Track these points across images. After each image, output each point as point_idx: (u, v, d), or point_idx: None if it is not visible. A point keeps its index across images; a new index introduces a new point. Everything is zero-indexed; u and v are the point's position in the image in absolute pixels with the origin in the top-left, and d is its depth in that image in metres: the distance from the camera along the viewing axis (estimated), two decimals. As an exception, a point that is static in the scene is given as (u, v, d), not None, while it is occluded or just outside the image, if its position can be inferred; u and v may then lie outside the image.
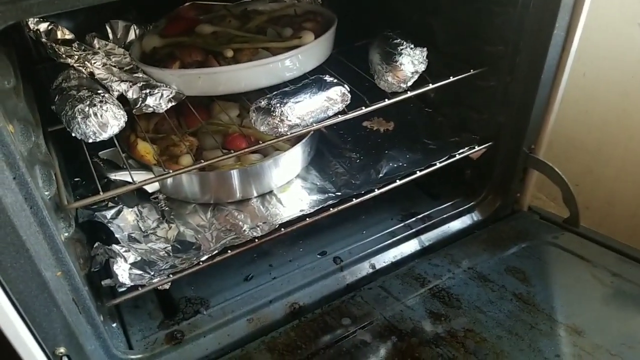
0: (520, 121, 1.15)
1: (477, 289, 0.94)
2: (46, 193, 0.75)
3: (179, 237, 1.01)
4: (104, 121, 0.90)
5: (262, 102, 0.95)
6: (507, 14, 1.06)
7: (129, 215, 1.03)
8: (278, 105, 0.93)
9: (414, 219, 1.23)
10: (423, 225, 1.21)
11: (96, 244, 0.91)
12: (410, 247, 1.18)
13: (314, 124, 0.97)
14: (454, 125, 1.29)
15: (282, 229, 1.00)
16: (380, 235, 1.18)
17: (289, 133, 0.95)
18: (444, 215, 1.24)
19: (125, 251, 0.93)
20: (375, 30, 1.29)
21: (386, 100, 1.03)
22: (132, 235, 1.00)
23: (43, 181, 0.76)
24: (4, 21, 0.58)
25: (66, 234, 0.81)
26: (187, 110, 1.15)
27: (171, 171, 0.90)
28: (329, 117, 0.99)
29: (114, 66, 1.08)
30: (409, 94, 1.05)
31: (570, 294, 0.92)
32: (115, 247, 0.92)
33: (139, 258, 0.93)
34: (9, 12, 0.57)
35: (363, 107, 1.01)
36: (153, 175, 1.03)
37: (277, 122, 0.93)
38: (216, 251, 0.95)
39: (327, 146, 1.28)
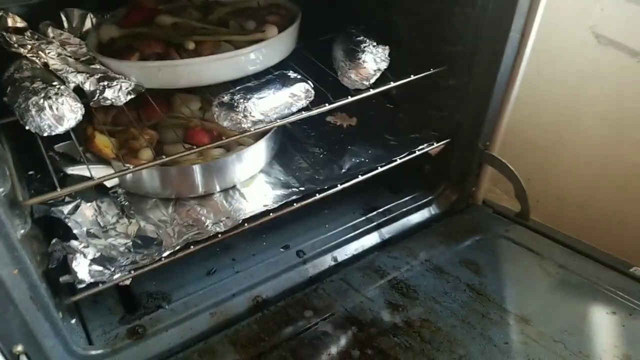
0: (476, 119, 1.20)
1: (433, 281, 0.99)
2: (0, 190, 0.73)
3: (140, 232, 1.00)
4: (59, 114, 0.88)
5: (225, 97, 0.95)
6: (465, 16, 1.10)
7: (87, 210, 1.01)
8: (241, 100, 0.93)
9: (375, 212, 1.26)
10: (384, 219, 1.25)
11: (53, 241, 0.88)
12: (371, 239, 1.21)
13: (278, 120, 0.98)
14: (414, 121, 1.32)
15: (246, 224, 1.00)
16: (343, 228, 1.21)
17: (252, 129, 0.95)
18: (404, 209, 1.28)
19: (84, 247, 0.91)
20: (339, 26, 1.30)
21: (349, 97, 1.05)
22: (91, 230, 0.98)
23: (-5, 177, 0.73)
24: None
25: (22, 231, 0.79)
26: (146, 102, 1.12)
27: (132, 166, 0.88)
28: (293, 114, 1.00)
29: (70, 57, 1.05)
30: (372, 91, 1.07)
31: (520, 285, 0.98)
32: (73, 243, 0.91)
33: (98, 254, 0.91)
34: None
35: (326, 104, 1.03)
36: (112, 170, 1.03)
37: (240, 117, 0.93)
38: (178, 246, 0.95)
39: (290, 141, 1.28)
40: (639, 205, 1.36)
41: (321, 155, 1.25)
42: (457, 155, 1.28)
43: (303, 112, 1.00)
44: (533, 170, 1.54)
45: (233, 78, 1.08)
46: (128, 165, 0.90)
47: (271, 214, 1.03)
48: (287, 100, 0.98)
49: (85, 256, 0.89)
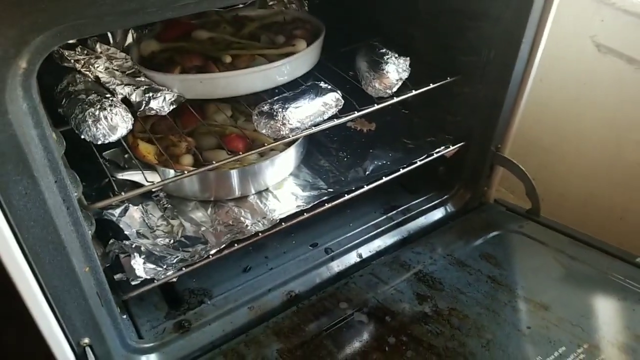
0: (489, 124, 1.29)
1: (456, 273, 1.07)
2: (75, 194, 0.80)
3: (184, 232, 1.08)
4: (113, 124, 0.96)
5: (265, 107, 1.03)
6: (479, 29, 1.19)
7: (135, 212, 1.09)
8: (280, 110, 1.02)
9: (395, 211, 1.35)
10: (403, 217, 1.33)
11: (111, 241, 0.96)
12: (393, 237, 1.30)
13: (312, 127, 1.06)
14: (429, 126, 1.41)
15: (283, 223, 1.09)
16: (366, 227, 1.29)
17: (290, 135, 1.03)
18: (422, 208, 1.37)
19: (137, 246, 0.99)
20: (360, 38, 1.39)
21: (375, 105, 1.14)
22: (140, 231, 1.05)
23: (71, 182, 0.81)
24: (60, 40, 0.63)
25: (90, 232, 0.86)
26: (183, 111, 1.20)
27: (185, 171, 0.96)
28: (325, 121, 1.08)
29: (117, 70, 1.12)
30: (395, 99, 1.16)
31: (536, 276, 1.07)
32: (127, 242, 0.98)
33: (149, 253, 0.99)
34: (67, 32, 0.63)
35: (355, 112, 1.11)
36: (157, 174, 1.11)
37: (279, 125, 1.01)
38: (224, 245, 1.03)
39: (316, 145, 1.37)
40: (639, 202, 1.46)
41: (345, 159, 1.33)
42: (471, 157, 1.37)
43: (335, 119, 1.09)
44: (537, 169, 1.63)
45: (265, 88, 1.17)
46: (181, 169, 0.98)
47: (305, 214, 1.11)
48: (320, 108, 1.06)
49: (140, 255, 0.97)
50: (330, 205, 1.14)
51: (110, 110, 0.96)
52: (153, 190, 1.13)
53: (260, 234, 1.06)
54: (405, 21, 1.38)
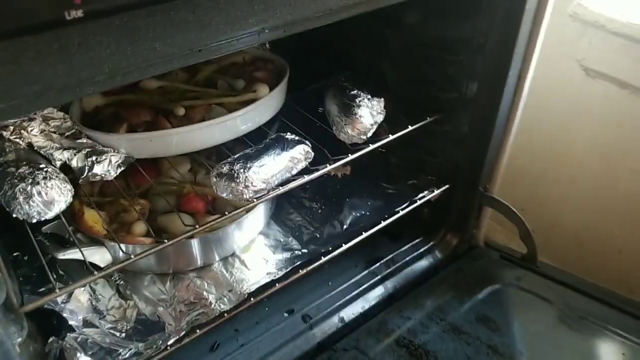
0: (475, 163, 1.18)
1: (453, 344, 0.95)
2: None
3: (140, 315, 0.94)
4: (49, 199, 0.83)
5: (224, 168, 0.90)
6: (459, 63, 1.09)
7: (81, 296, 0.94)
8: (242, 170, 0.89)
9: (377, 264, 1.22)
10: (387, 271, 1.21)
11: (50, 339, 0.82)
12: (376, 294, 1.17)
13: (280, 188, 0.94)
14: (409, 167, 1.30)
15: (252, 299, 0.95)
16: (346, 285, 1.16)
17: (254, 199, 0.91)
18: (407, 258, 1.25)
19: (82, 342, 0.84)
20: (327, 74, 1.28)
21: (349, 155, 1.02)
22: (87, 319, 0.91)
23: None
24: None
25: (19, 340, 0.72)
26: (134, 169, 1.07)
27: (132, 255, 0.82)
28: (294, 177, 0.96)
29: (54, 132, 0.99)
30: (371, 146, 1.05)
31: (542, 342, 0.95)
32: (70, 338, 0.84)
33: (98, 347, 0.85)
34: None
35: (327, 164, 0.99)
36: (106, 250, 0.97)
37: (241, 188, 0.89)
38: (183, 332, 0.89)
39: (285, 196, 1.24)
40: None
41: (319, 211, 1.21)
42: (457, 199, 1.26)
43: (305, 176, 0.97)
44: (526, 199, 1.54)
45: (225, 140, 1.05)
46: (133, 243, 0.84)
47: (277, 285, 0.98)
48: (288, 164, 0.94)
49: (85, 352, 0.82)
50: (304, 271, 1.02)
51: (45, 183, 0.83)
52: (102, 266, 0.99)
53: (225, 314, 0.92)
54: (376, 55, 1.28)
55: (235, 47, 0.62)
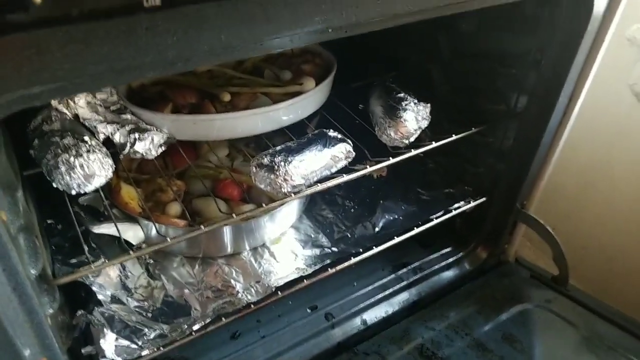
0: (515, 178, 1.15)
1: (476, 360, 0.93)
2: (32, 272, 0.67)
3: (166, 297, 0.94)
4: (90, 173, 0.83)
5: (265, 159, 0.89)
6: (511, 76, 1.06)
7: (111, 271, 0.95)
8: (282, 163, 0.88)
9: (405, 269, 1.21)
10: (414, 278, 1.20)
11: (78, 313, 0.83)
12: (401, 300, 1.16)
13: (318, 184, 0.93)
14: (446, 174, 1.28)
15: (279, 292, 0.95)
16: (372, 287, 1.16)
17: (292, 194, 0.90)
18: (435, 267, 1.23)
19: (109, 318, 0.85)
20: (373, 72, 1.26)
21: (390, 158, 1.00)
22: (116, 295, 0.92)
23: (29, 256, 0.68)
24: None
25: (51, 311, 0.73)
26: (174, 149, 1.07)
27: (169, 239, 0.82)
28: (332, 176, 0.95)
29: (100, 105, 0.99)
30: (413, 152, 1.02)
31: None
32: (98, 313, 0.85)
33: (124, 325, 0.86)
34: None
35: (367, 166, 0.98)
36: (139, 227, 0.98)
37: (280, 181, 0.88)
38: (209, 319, 0.89)
39: (320, 192, 1.23)
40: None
41: (352, 210, 1.20)
42: (492, 212, 1.23)
43: (344, 175, 0.95)
44: (558, 218, 1.49)
45: (267, 131, 1.04)
46: (167, 224, 0.85)
47: (305, 281, 0.98)
48: (328, 162, 0.93)
49: (112, 328, 0.83)
50: (333, 270, 1.01)
51: (87, 156, 0.83)
52: (134, 243, 1.00)
53: (252, 306, 0.92)
54: (425, 59, 1.25)
55: (297, 44, 0.61)
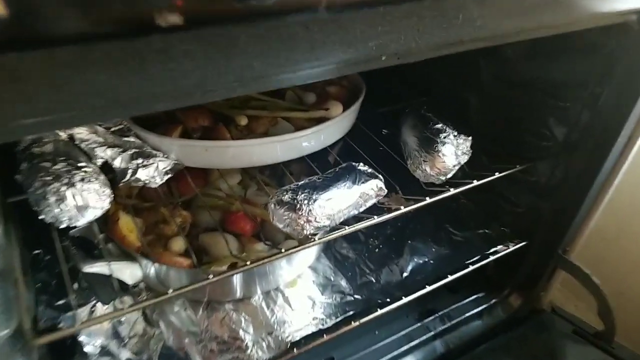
0: (560, 222, 1.03)
1: None
2: (6, 332, 0.55)
3: (164, 349, 0.82)
4: (83, 205, 0.73)
5: (286, 196, 0.77)
6: (564, 110, 0.94)
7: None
8: (306, 202, 0.76)
9: (432, 317, 1.08)
10: (443, 327, 1.07)
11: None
12: (429, 352, 1.04)
13: (345, 227, 0.81)
14: (481, 213, 1.15)
15: (295, 350, 0.82)
16: (395, 338, 1.03)
17: (315, 238, 0.78)
18: (465, 315, 1.11)
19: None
20: (402, 97, 1.15)
21: (427, 198, 0.88)
22: (106, 346, 0.80)
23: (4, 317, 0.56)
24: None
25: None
26: (181, 174, 0.96)
27: (169, 291, 0.69)
28: (360, 216, 0.83)
29: (99, 125, 0.88)
30: (451, 191, 0.91)
31: None
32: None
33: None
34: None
35: (401, 207, 0.86)
36: (137, 266, 0.86)
37: (302, 222, 0.76)
38: (213, 380, 0.77)
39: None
40: None
41: (376, 250, 1.07)
42: (530, 257, 1.11)
43: (375, 217, 0.83)
44: (595, 262, 1.37)
45: (286, 159, 0.93)
46: (169, 264, 0.72)
47: (325, 336, 0.85)
48: (357, 200, 0.81)
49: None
50: (357, 323, 0.88)
51: (81, 186, 0.72)
52: (130, 283, 0.87)
53: (263, 364, 0.80)
54: (461, 85, 1.13)
55: (342, 72, 0.49)
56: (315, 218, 0.77)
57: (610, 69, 0.84)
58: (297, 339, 0.84)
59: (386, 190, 0.84)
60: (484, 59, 1.06)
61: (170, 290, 0.67)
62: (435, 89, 1.18)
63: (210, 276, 0.70)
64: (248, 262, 0.73)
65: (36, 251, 0.93)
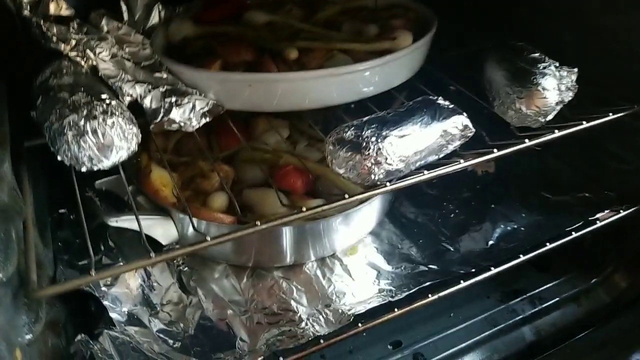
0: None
1: None
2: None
3: (203, 319, 0.68)
4: (106, 142, 0.60)
5: (347, 133, 0.62)
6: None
7: (131, 279, 0.70)
8: (373, 139, 0.61)
9: (518, 299, 0.90)
10: (532, 310, 0.89)
11: (78, 337, 0.58)
12: (516, 340, 0.85)
13: (424, 172, 0.64)
14: (579, 174, 0.96)
15: (360, 324, 0.66)
16: (475, 321, 0.85)
17: (386, 183, 0.62)
18: (559, 297, 0.91)
19: (121, 345, 0.60)
20: (474, 41, 0.97)
21: (525, 141, 0.70)
22: (134, 312, 0.67)
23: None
24: None
25: (29, 337, 0.48)
26: (222, 125, 0.83)
27: (208, 239, 0.55)
28: (442, 162, 0.66)
29: (128, 59, 0.76)
30: (557, 133, 0.72)
31: None
32: (107, 338, 0.60)
33: (143, 358, 0.60)
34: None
35: (494, 149, 0.68)
36: (172, 222, 0.72)
37: (370, 164, 0.60)
38: (260, 357, 0.62)
39: (407, 189, 0.95)
40: None
41: (452, 215, 0.90)
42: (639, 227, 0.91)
43: (461, 161, 0.66)
44: None
45: (344, 102, 0.77)
46: (211, 220, 0.59)
47: (396, 310, 0.69)
48: (438, 140, 0.65)
49: (122, 364, 0.57)
50: (435, 297, 0.71)
51: (104, 120, 0.60)
52: (164, 243, 0.74)
53: (321, 341, 0.64)
54: (555, 18, 0.94)
55: None
56: (387, 159, 0.61)
57: None
58: (362, 311, 0.68)
59: (473, 130, 0.67)
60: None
61: (209, 238, 0.53)
62: (516, 28, 0.99)
63: (257, 223, 0.55)
64: (304, 209, 0.58)
65: (61, 210, 0.82)
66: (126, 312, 0.66)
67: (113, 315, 0.65)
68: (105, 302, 0.65)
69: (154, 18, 0.85)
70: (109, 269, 0.54)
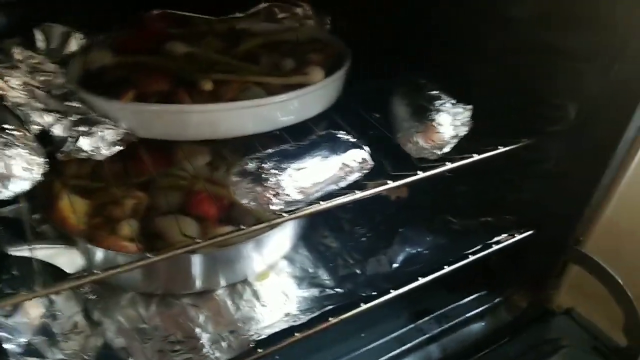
0: (572, 208, 0.90)
1: None
2: None
3: (104, 349, 0.69)
4: (7, 173, 0.60)
5: (251, 165, 0.65)
6: (580, 74, 0.81)
7: (32, 308, 0.70)
8: (273, 171, 0.64)
9: (426, 318, 0.95)
10: (439, 329, 0.94)
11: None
12: (423, 358, 0.90)
13: (321, 202, 0.68)
14: (481, 200, 1.03)
15: (259, 350, 0.69)
16: (384, 341, 0.90)
17: (284, 213, 0.65)
18: (465, 315, 0.97)
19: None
20: (392, 72, 1.03)
21: (419, 172, 0.76)
22: (34, 343, 0.66)
23: None
24: None
25: None
26: (139, 153, 0.84)
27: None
28: (341, 192, 0.70)
29: (39, 87, 0.76)
30: (448, 165, 0.78)
31: None
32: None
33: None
34: None
35: (389, 180, 0.73)
36: (77, 252, 0.73)
37: (269, 195, 0.63)
38: (158, 385, 0.63)
39: (322, 215, 0.98)
40: None
41: (363, 239, 0.94)
42: (539, 249, 0.98)
43: (356, 192, 0.71)
44: (628, 270, 1.24)
45: (259, 131, 0.80)
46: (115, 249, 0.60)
47: (296, 334, 0.71)
48: (337, 173, 0.69)
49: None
50: (336, 320, 0.75)
51: (3, 152, 0.60)
52: (69, 272, 0.74)
53: (221, 368, 0.66)
54: (461, 55, 1.01)
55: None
56: (285, 190, 0.64)
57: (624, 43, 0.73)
58: (263, 337, 0.70)
59: (372, 163, 0.72)
60: (487, 25, 0.94)
61: (98, 271, 0.54)
62: (429, 62, 1.06)
63: (149, 255, 0.56)
64: (199, 240, 0.60)
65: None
66: (24, 343, 0.66)
67: (9, 346, 0.64)
68: (1, 332, 0.64)
69: (72, 46, 0.86)
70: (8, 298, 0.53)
